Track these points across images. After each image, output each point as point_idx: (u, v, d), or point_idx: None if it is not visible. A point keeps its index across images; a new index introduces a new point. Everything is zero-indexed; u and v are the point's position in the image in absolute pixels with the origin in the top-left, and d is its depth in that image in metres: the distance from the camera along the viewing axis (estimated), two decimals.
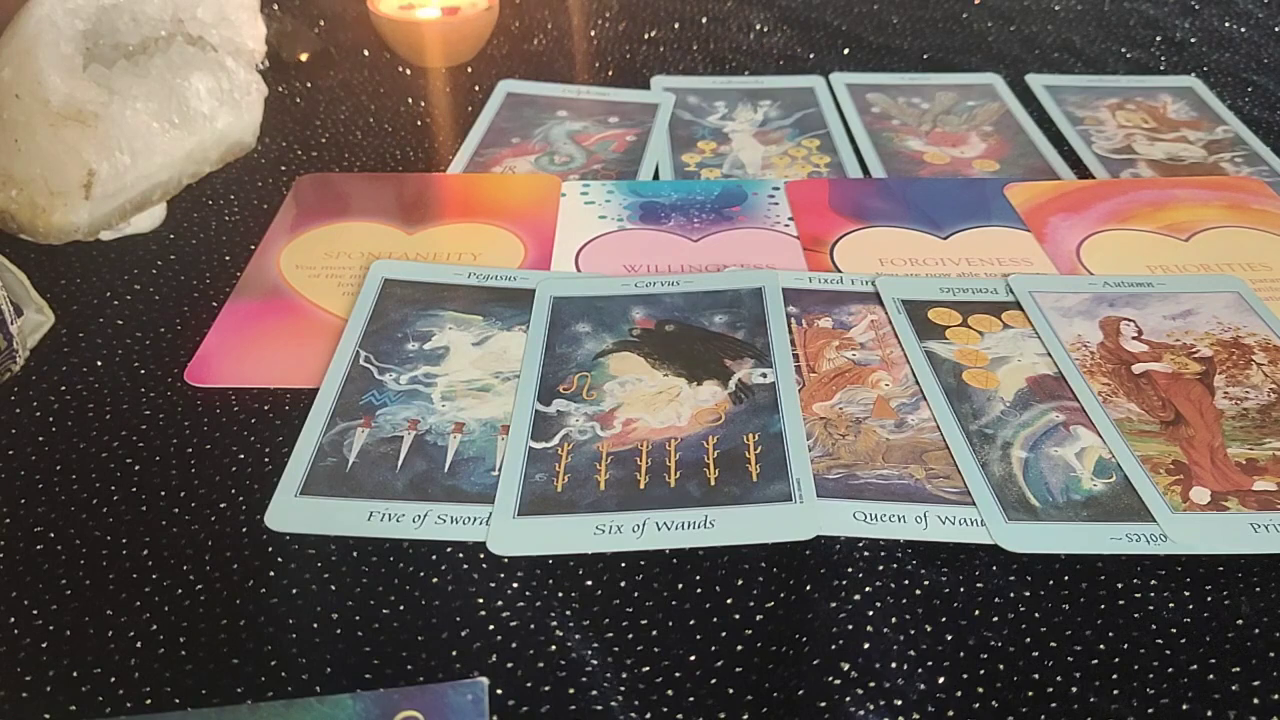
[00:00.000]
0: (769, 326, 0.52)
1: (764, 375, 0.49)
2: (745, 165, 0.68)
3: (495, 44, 0.83)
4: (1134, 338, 0.52)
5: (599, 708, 0.36)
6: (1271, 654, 0.38)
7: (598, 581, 0.40)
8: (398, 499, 0.43)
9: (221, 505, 0.43)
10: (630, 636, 0.38)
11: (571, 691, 0.36)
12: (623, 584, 0.40)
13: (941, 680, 0.37)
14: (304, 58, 0.78)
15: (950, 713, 0.36)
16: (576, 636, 0.38)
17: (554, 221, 0.61)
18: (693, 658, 0.38)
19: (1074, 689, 0.36)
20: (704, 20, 0.89)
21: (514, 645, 0.38)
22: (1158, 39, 0.86)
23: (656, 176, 0.67)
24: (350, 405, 0.48)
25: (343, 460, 0.45)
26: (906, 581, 0.40)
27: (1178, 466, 0.44)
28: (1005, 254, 0.59)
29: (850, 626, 0.38)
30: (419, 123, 0.73)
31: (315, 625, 0.38)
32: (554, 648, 0.38)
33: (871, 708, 0.35)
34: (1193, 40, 0.86)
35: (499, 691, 0.36)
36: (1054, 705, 0.36)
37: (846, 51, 0.84)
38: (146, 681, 0.36)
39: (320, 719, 0.35)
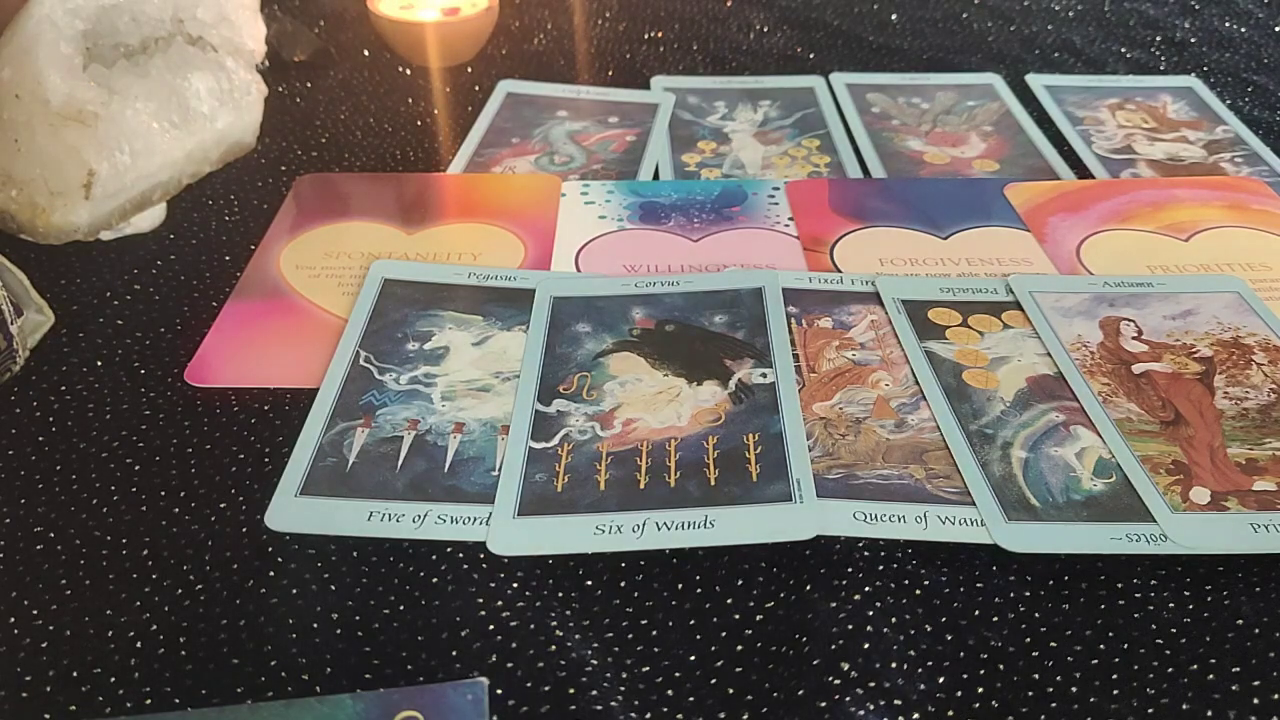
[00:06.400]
0: (769, 326, 0.52)
1: (764, 375, 0.49)
2: (745, 165, 0.68)
3: (495, 44, 0.83)
4: (1134, 338, 0.52)
5: (599, 708, 0.36)
6: (1271, 654, 0.38)
7: (598, 581, 0.40)
8: (398, 499, 0.43)
9: (221, 505, 0.43)
10: (630, 636, 0.38)
11: (571, 691, 0.36)
12: (623, 584, 0.40)
13: (941, 680, 0.37)
14: (303, 58, 0.78)
15: (950, 713, 0.36)
16: (576, 636, 0.38)
17: (554, 221, 0.61)
18: (693, 658, 0.38)
19: (1074, 689, 0.36)
20: (704, 20, 0.89)
21: (514, 645, 0.38)
22: (1158, 39, 0.86)
23: (656, 176, 0.67)
24: (350, 405, 0.48)
25: (343, 460, 0.45)
26: (906, 581, 0.40)
27: (1178, 466, 0.44)
28: (1005, 254, 0.59)
29: (850, 626, 0.38)
30: (419, 123, 0.73)
31: (315, 625, 0.38)
32: (554, 648, 0.38)
33: (871, 708, 0.35)
34: (1193, 40, 0.86)
35: (499, 691, 0.36)
36: (1054, 705, 0.36)
37: (846, 51, 0.84)
38: (146, 681, 0.36)
39: (320, 719, 0.35)
